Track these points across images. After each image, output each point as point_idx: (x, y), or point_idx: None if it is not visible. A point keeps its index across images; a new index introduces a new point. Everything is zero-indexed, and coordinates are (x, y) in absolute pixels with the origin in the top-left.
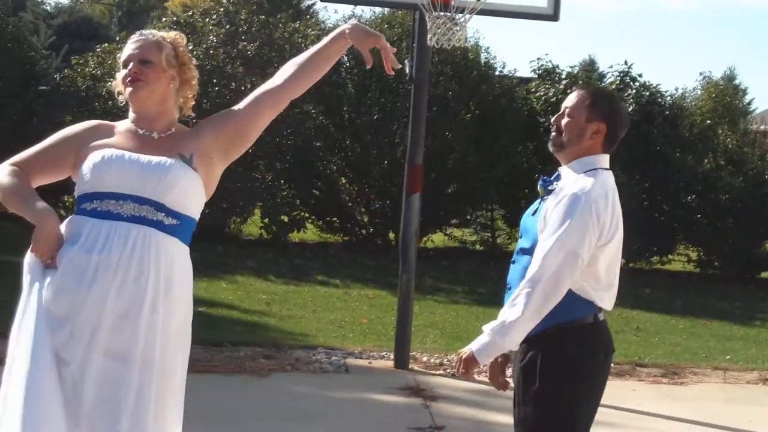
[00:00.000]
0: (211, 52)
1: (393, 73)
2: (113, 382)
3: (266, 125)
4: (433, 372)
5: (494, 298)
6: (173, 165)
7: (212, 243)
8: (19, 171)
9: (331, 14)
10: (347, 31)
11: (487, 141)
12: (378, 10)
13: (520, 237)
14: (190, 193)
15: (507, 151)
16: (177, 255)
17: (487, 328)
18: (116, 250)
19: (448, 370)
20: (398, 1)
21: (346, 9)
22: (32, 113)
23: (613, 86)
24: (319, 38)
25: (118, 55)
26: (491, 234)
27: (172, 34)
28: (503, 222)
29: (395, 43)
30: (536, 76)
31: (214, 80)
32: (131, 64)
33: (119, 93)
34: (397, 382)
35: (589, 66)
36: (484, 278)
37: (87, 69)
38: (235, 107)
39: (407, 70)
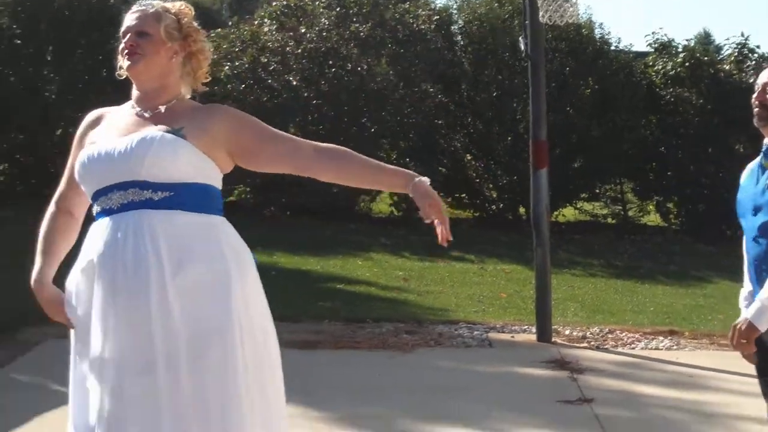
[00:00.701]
0: (324, 34)
1: (446, 245)
2: (149, 397)
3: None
4: (577, 345)
5: (631, 271)
6: (138, 138)
7: (343, 221)
8: (56, 215)
9: None
10: (412, 185)
11: (608, 115)
12: None
13: (753, 214)
14: (170, 158)
15: (630, 125)
16: (183, 227)
17: (763, 296)
18: (108, 246)
19: (592, 343)
20: None
21: None
22: None
23: (732, 58)
24: (430, 18)
25: (222, 40)
26: (622, 207)
27: (177, 5)
28: (633, 195)
29: (507, 21)
30: (652, 50)
31: (330, 62)
32: (128, 36)
33: (120, 66)
34: (541, 356)
35: (705, 39)
36: (618, 251)
37: None
38: (269, 129)
39: (522, 47)
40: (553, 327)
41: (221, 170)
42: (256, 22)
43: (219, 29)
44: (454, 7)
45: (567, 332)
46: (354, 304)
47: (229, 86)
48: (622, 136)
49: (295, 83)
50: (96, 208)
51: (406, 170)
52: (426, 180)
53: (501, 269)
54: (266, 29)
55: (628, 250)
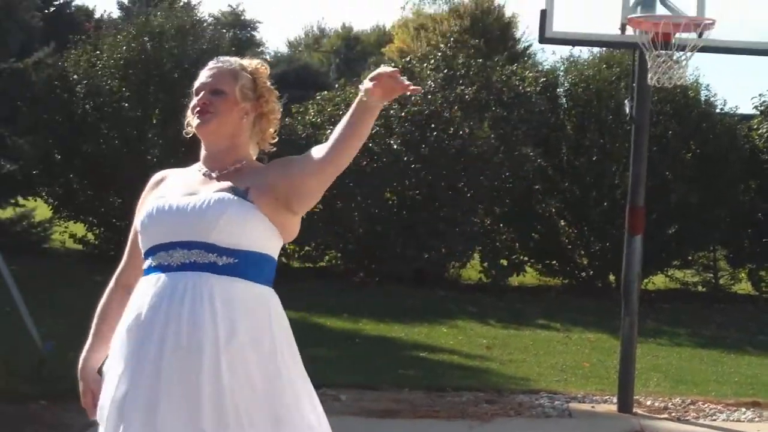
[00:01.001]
0: (429, 96)
1: (418, 91)
2: None
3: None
4: (658, 416)
5: (718, 341)
6: (215, 199)
7: (432, 288)
8: (114, 291)
9: (549, 55)
10: (364, 99)
11: (708, 180)
12: (596, 49)
13: None
14: (241, 224)
15: (729, 191)
16: (241, 297)
17: None
18: (164, 304)
19: (673, 414)
20: (617, 40)
21: (564, 50)
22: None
23: None
24: (536, 80)
25: (327, 103)
26: (714, 275)
27: (254, 63)
28: (726, 263)
29: (613, 82)
30: (758, 112)
31: (432, 125)
32: (202, 93)
33: (188, 124)
34: (621, 427)
35: None
36: (706, 320)
37: (307, 117)
38: (302, 156)
39: (627, 109)
40: (634, 397)
41: (284, 238)
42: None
43: (325, 91)
44: (561, 69)
45: (648, 403)
46: (436, 373)
47: None
48: (721, 201)
49: (395, 147)
50: (150, 263)
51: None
52: (364, 86)
53: (586, 338)
54: None
55: (717, 320)
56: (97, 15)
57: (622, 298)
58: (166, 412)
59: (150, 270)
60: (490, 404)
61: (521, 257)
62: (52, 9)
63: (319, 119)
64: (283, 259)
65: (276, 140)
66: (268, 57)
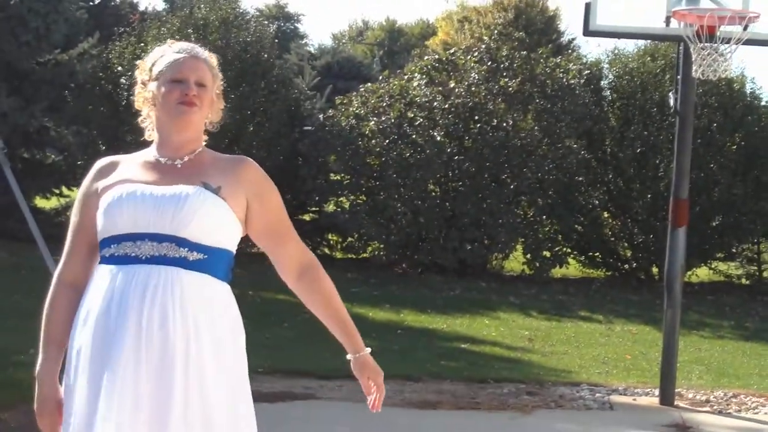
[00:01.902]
0: (473, 89)
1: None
2: None
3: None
4: (699, 409)
5: (761, 333)
6: (191, 194)
7: (474, 279)
8: (59, 293)
9: (594, 48)
10: (354, 357)
11: (753, 173)
12: (641, 42)
13: None
14: (215, 223)
15: None
16: (208, 294)
17: None
18: (134, 299)
19: (715, 407)
20: (662, 33)
21: (608, 42)
22: (297, 153)
23: None
24: (580, 73)
25: (371, 95)
26: (757, 267)
27: (207, 52)
28: None
29: (658, 75)
30: None
31: (476, 117)
32: (190, 85)
33: (169, 110)
34: (662, 419)
35: None
36: (749, 313)
37: (351, 109)
38: (280, 212)
39: (671, 102)
40: (676, 390)
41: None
42: (405, 77)
43: (369, 84)
44: (606, 61)
45: (690, 396)
46: (477, 364)
47: (373, 141)
48: (765, 194)
49: (439, 138)
50: (112, 251)
51: (359, 338)
52: (367, 352)
53: (628, 330)
54: (415, 84)
55: (760, 312)
56: (141, 7)
57: (665, 290)
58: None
59: (112, 260)
60: (531, 396)
61: (564, 249)
62: (97, 1)
63: (362, 111)
64: (327, 250)
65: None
66: (311, 49)
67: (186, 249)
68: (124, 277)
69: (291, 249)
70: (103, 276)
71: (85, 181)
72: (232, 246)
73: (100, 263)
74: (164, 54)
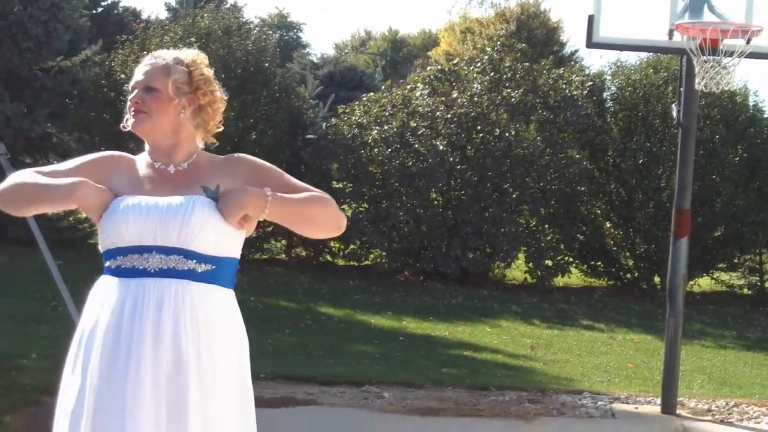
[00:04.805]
0: (476, 99)
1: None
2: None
3: None
4: (701, 418)
5: (763, 344)
6: (195, 205)
7: (476, 287)
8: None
9: (596, 60)
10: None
11: (755, 184)
12: (644, 54)
13: None
14: (221, 233)
15: None
16: (217, 304)
17: None
18: (147, 313)
19: (717, 416)
20: (665, 46)
21: (611, 54)
22: (300, 162)
23: None
24: (583, 84)
25: (373, 104)
26: (759, 278)
27: (191, 54)
28: None
29: (660, 87)
30: None
31: (478, 127)
32: (135, 92)
33: (126, 120)
34: (664, 428)
35: None
36: (752, 323)
37: (353, 118)
38: (286, 178)
39: (674, 114)
40: (678, 399)
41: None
42: (408, 86)
43: (371, 93)
44: (608, 73)
45: (692, 405)
46: (479, 372)
47: (375, 150)
48: (767, 205)
49: (441, 148)
50: (119, 263)
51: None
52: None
53: (630, 339)
54: (418, 93)
55: (762, 322)
56: (144, 15)
57: (667, 300)
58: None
59: (119, 272)
60: (533, 404)
61: (566, 258)
62: (99, 9)
63: (365, 120)
64: (329, 257)
65: (221, 129)
66: (314, 58)
67: (194, 261)
68: (135, 290)
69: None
70: (110, 287)
71: (98, 154)
72: (238, 252)
73: (104, 274)
74: (137, 68)
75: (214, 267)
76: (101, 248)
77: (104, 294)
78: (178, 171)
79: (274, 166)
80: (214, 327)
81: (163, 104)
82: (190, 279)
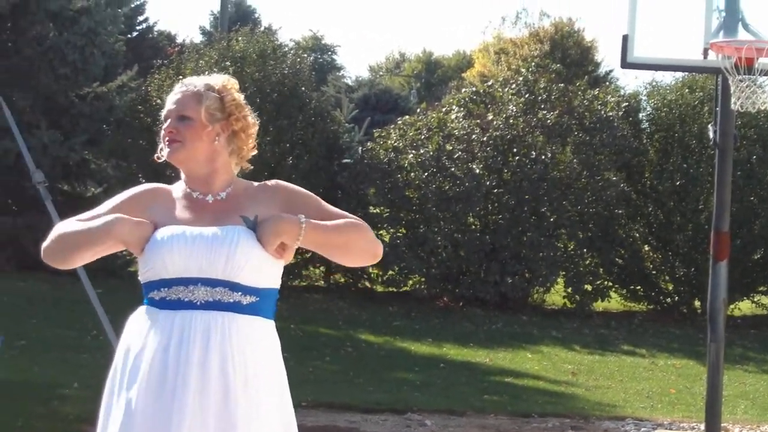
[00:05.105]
0: (511, 121)
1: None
2: None
3: None
4: None
5: None
6: (240, 237)
7: (515, 312)
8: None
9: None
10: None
11: None
12: (679, 74)
13: None
14: (265, 265)
15: None
16: (261, 336)
17: None
18: (195, 345)
19: None
20: (700, 65)
21: (646, 75)
22: (337, 186)
23: None
24: (619, 105)
25: (409, 127)
26: None
27: (221, 80)
28: None
29: (696, 107)
30: None
31: (514, 149)
32: (168, 121)
33: (161, 150)
34: None
35: None
36: None
37: (389, 141)
38: (323, 205)
39: (711, 134)
40: (722, 425)
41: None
42: (443, 109)
43: (407, 116)
44: (644, 93)
45: (736, 430)
46: (521, 398)
47: (412, 174)
48: None
49: (478, 171)
50: (163, 295)
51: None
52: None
53: (672, 364)
54: (453, 116)
55: None
56: (179, 40)
57: (708, 324)
58: None
59: (164, 304)
60: (576, 430)
61: (605, 282)
62: (134, 34)
63: (401, 143)
64: (367, 284)
65: (255, 154)
66: (349, 81)
67: (239, 293)
68: (181, 322)
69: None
70: (154, 319)
71: (137, 188)
72: (278, 282)
73: (146, 305)
74: (169, 96)
75: (258, 299)
76: (142, 279)
77: (147, 325)
78: (217, 201)
79: (310, 193)
80: (259, 359)
81: (197, 132)
82: (236, 311)
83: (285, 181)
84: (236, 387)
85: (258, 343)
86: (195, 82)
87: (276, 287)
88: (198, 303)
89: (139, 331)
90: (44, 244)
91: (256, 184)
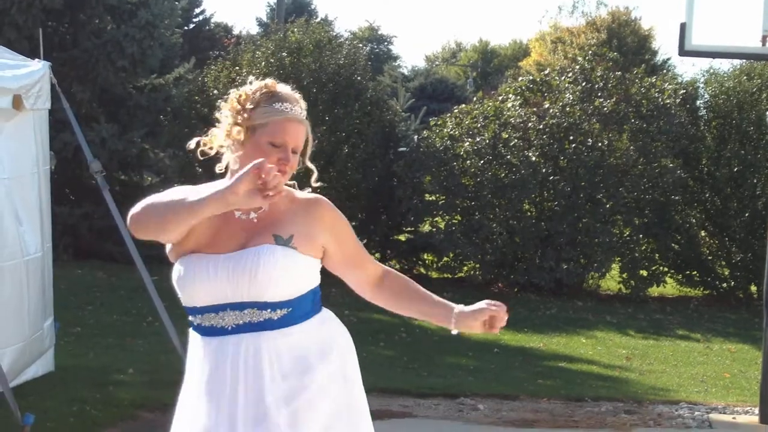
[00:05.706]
0: (568, 109)
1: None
2: None
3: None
4: None
5: None
6: (261, 257)
7: (570, 298)
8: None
9: (688, 67)
10: (454, 321)
11: None
12: (736, 61)
13: None
14: (292, 275)
15: None
16: (299, 340)
17: None
18: (229, 371)
19: None
20: (758, 52)
21: (703, 62)
22: (393, 174)
23: None
24: (676, 92)
25: (465, 116)
26: None
27: (303, 105)
28: None
29: (754, 94)
30: None
31: (571, 137)
32: (288, 155)
33: (231, 143)
34: None
35: None
36: None
37: (445, 130)
38: (356, 240)
39: None
40: None
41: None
42: (500, 98)
43: (463, 105)
44: (701, 80)
45: None
46: (574, 383)
47: (468, 162)
48: None
49: (534, 159)
50: (197, 321)
51: (448, 306)
52: (460, 309)
53: (727, 348)
54: (510, 104)
55: None
56: (236, 31)
57: (764, 309)
58: None
59: (200, 330)
60: (630, 414)
61: (661, 268)
62: (191, 26)
63: (457, 132)
64: (422, 270)
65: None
66: (405, 71)
67: (269, 310)
68: (215, 348)
69: (370, 269)
70: (197, 345)
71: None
72: (314, 283)
73: (192, 328)
74: (264, 98)
75: (290, 309)
76: (182, 302)
77: (193, 353)
78: (259, 216)
79: (347, 222)
80: (301, 363)
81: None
82: (267, 329)
83: (328, 201)
84: (272, 405)
85: (297, 348)
86: (302, 104)
87: (311, 288)
88: (228, 328)
89: (191, 358)
90: (134, 211)
91: (298, 194)
